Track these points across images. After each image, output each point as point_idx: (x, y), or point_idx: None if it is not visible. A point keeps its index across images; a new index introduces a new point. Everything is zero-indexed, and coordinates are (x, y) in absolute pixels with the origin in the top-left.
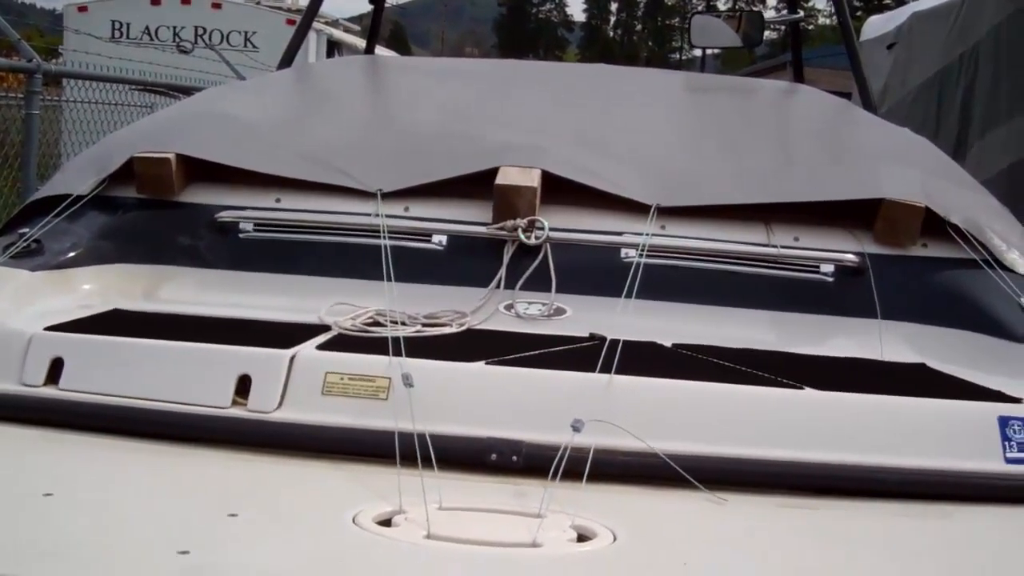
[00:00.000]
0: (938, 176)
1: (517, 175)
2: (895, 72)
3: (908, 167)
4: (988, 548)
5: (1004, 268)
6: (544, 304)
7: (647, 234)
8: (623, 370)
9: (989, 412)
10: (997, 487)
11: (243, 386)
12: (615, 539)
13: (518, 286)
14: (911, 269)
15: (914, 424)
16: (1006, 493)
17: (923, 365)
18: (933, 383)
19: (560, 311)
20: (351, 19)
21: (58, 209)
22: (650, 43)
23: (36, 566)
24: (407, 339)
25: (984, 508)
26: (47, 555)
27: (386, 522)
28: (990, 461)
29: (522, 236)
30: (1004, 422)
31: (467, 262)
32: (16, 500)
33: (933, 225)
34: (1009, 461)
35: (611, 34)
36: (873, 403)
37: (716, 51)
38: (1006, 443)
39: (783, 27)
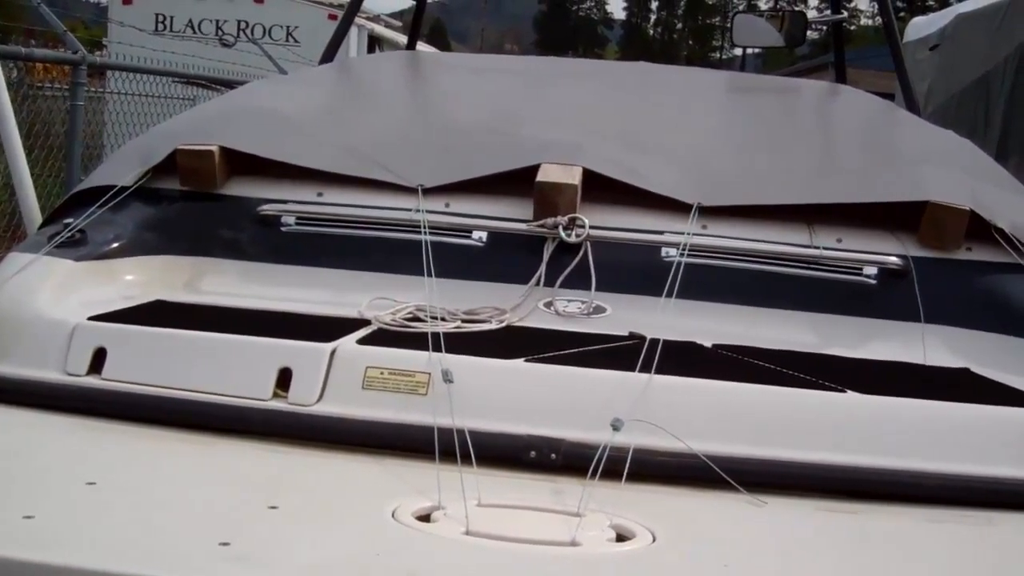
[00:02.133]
0: (984, 179)
1: (558, 172)
2: (940, 75)
3: (953, 169)
4: None
5: None
6: (584, 302)
7: (688, 233)
8: (663, 370)
9: None
10: None
11: (284, 379)
12: (654, 539)
13: (558, 283)
14: (955, 273)
15: (957, 429)
16: None
17: (967, 370)
18: (977, 388)
19: (600, 309)
20: (392, 15)
21: (102, 200)
22: (690, 42)
23: (79, 555)
24: (446, 335)
25: None
26: (90, 544)
27: (425, 517)
28: None
29: (563, 234)
30: None
31: (507, 259)
32: (59, 489)
33: (978, 229)
34: None
35: (651, 32)
36: (916, 407)
37: (758, 51)
38: None
39: (825, 27)
